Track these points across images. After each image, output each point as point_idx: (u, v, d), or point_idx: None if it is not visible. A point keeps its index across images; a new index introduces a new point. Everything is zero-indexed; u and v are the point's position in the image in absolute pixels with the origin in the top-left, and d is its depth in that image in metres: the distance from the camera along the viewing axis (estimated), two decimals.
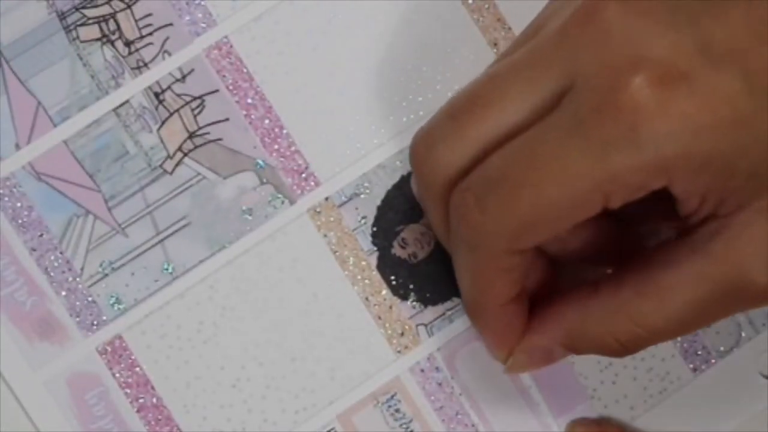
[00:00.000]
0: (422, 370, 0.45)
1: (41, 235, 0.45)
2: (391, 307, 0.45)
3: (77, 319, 0.45)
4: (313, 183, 0.45)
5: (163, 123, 0.45)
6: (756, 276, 0.38)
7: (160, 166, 0.45)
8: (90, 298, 0.45)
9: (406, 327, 0.45)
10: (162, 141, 0.45)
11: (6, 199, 0.45)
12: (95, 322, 0.45)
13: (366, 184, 0.45)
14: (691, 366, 0.45)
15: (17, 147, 0.45)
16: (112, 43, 0.46)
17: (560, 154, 0.36)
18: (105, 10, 0.46)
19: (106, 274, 0.45)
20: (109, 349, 0.45)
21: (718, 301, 0.39)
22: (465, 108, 0.39)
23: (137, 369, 0.45)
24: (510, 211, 0.37)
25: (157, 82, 0.45)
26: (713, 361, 0.45)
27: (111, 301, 0.45)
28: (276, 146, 0.45)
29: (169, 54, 0.46)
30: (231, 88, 0.46)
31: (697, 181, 0.36)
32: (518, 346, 0.42)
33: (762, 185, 0.37)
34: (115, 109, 0.45)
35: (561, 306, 0.41)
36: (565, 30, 0.37)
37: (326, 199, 0.45)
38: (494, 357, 0.42)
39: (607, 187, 0.36)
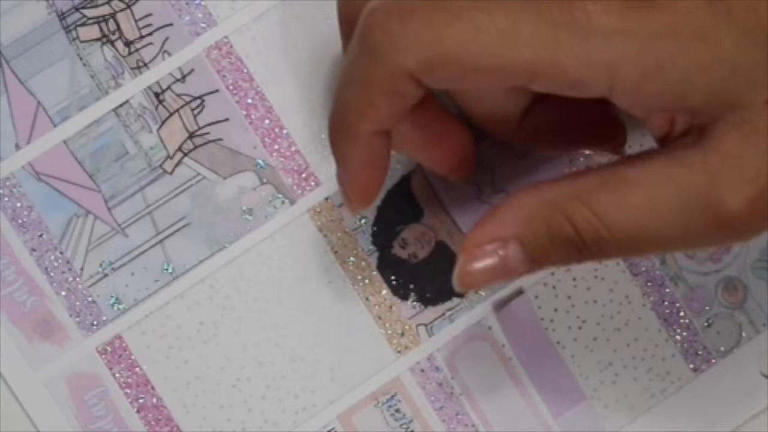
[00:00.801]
0: (422, 370, 0.45)
1: (41, 235, 0.45)
2: (391, 307, 0.45)
3: (77, 319, 0.45)
4: (313, 183, 0.45)
5: (163, 123, 0.45)
6: (727, 197, 0.35)
7: (160, 166, 0.45)
8: (90, 298, 0.45)
9: (406, 327, 0.45)
10: (162, 141, 0.45)
11: (6, 199, 0.45)
12: (95, 322, 0.45)
13: None
14: (692, 366, 0.45)
15: (17, 147, 0.45)
16: (112, 43, 0.46)
17: (510, 16, 0.35)
18: (105, 10, 0.46)
19: (106, 274, 0.45)
20: (109, 349, 0.45)
21: (683, 213, 0.36)
22: None
23: (137, 369, 0.45)
24: (435, 35, 0.35)
25: (157, 82, 0.46)
26: (713, 361, 0.45)
27: (111, 301, 0.45)
28: (276, 146, 0.45)
29: (169, 54, 0.46)
30: (231, 88, 0.46)
31: (644, 90, 0.35)
32: (470, 240, 0.38)
33: (729, 101, 0.35)
34: (115, 109, 0.45)
35: (517, 195, 0.38)
36: None
37: (326, 199, 0.45)
38: (348, 208, 0.40)
39: (543, 65, 0.35)
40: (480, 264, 0.38)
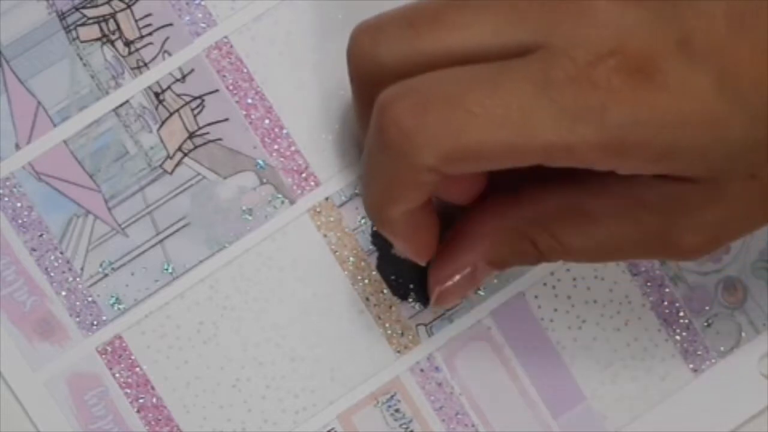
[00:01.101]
0: (422, 370, 0.45)
1: (41, 235, 0.45)
2: (391, 307, 0.45)
3: (77, 319, 0.45)
4: (313, 183, 0.45)
5: (163, 123, 0.45)
6: (681, 240, 0.38)
7: (160, 166, 0.45)
8: (90, 298, 0.45)
9: (406, 327, 0.45)
10: (162, 141, 0.45)
11: (6, 199, 0.45)
12: (95, 322, 0.45)
13: None
14: (691, 366, 0.45)
15: (17, 147, 0.45)
16: (112, 43, 0.46)
17: (525, 105, 0.35)
18: (105, 10, 0.46)
19: (106, 274, 0.45)
20: (109, 349, 0.45)
21: (639, 244, 0.39)
22: (427, 20, 0.37)
23: (137, 369, 0.45)
24: (452, 132, 0.36)
25: (157, 82, 0.46)
26: (713, 361, 0.45)
27: (111, 301, 0.45)
28: (276, 146, 0.45)
29: (169, 54, 0.46)
30: (231, 88, 0.46)
31: (647, 168, 0.36)
32: (440, 274, 0.42)
33: (711, 172, 0.37)
34: (115, 109, 0.45)
35: (478, 220, 0.41)
36: None
37: (326, 199, 0.45)
38: (414, 260, 0.42)
39: (558, 151, 0.36)
40: (452, 283, 0.42)
